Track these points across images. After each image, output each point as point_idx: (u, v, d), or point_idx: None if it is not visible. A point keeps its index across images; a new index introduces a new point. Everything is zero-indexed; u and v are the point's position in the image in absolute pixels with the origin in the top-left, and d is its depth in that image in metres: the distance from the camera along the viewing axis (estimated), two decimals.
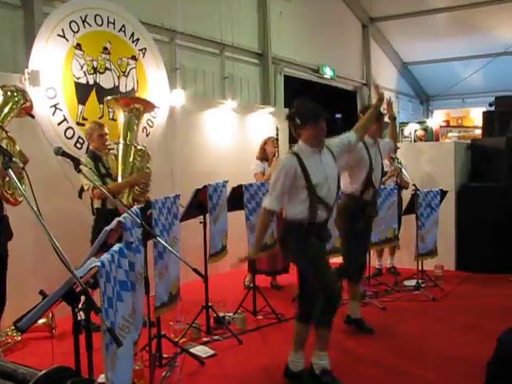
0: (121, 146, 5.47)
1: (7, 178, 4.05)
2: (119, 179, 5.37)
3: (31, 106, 4.59)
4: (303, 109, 3.90)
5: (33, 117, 4.74)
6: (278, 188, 3.82)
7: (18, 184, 2.53)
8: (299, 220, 3.87)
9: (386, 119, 5.42)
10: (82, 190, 5.20)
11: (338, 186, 4.05)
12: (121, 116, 5.53)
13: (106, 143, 5.40)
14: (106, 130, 5.38)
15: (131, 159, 5.47)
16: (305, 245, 3.88)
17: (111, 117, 6.23)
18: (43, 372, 1.31)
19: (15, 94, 4.46)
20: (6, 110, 4.37)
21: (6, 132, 4.26)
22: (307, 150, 3.89)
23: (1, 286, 4.30)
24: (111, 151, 5.61)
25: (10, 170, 2.55)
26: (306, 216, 3.84)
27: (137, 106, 5.58)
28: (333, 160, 4.01)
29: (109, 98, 5.79)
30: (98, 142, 5.33)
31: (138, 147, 5.56)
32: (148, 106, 5.82)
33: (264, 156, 6.85)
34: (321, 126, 3.87)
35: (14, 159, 2.65)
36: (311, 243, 3.88)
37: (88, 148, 5.69)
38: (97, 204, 5.22)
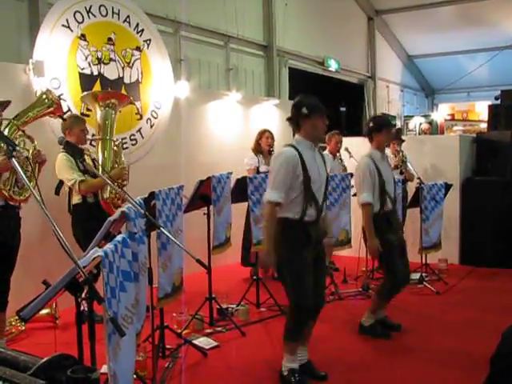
0: (101, 142, 5.45)
1: (7, 175, 4.07)
2: (101, 174, 5.33)
3: (58, 109, 4.72)
4: (310, 100, 3.87)
5: (64, 119, 4.97)
6: (280, 179, 3.75)
7: (22, 173, 2.53)
8: (289, 218, 3.80)
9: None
10: (59, 186, 5.15)
11: (326, 189, 3.98)
12: (97, 111, 5.50)
13: (86, 138, 5.39)
14: (86, 125, 5.37)
15: (111, 154, 5.46)
16: (293, 257, 3.77)
17: None
18: (45, 359, 1.31)
19: (46, 101, 4.62)
20: (31, 113, 4.52)
21: (23, 131, 4.33)
22: (305, 144, 3.86)
23: (6, 277, 4.29)
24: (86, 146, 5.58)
25: (13, 158, 2.55)
26: (296, 213, 3.78)
27: (110, 100, 5.55)
28: (323, 163, 3.99)
29: (84, 93, 5.80)
30: (78, 137, 5.21)
31: (116, 142, 5.57)
32: (123, 99, 5.79)
33: (259, 149, 6.83)
34: (324, 119, 3.89)
35: (17, 148, 2.64)
36: (300, 257, 3.78)
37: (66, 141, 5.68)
38: (76, 200, 5.14)
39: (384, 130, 4.95)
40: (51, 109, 4.61)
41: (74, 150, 3.26)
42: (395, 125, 5.34)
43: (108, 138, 5.47)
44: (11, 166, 2.49)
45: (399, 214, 6.62)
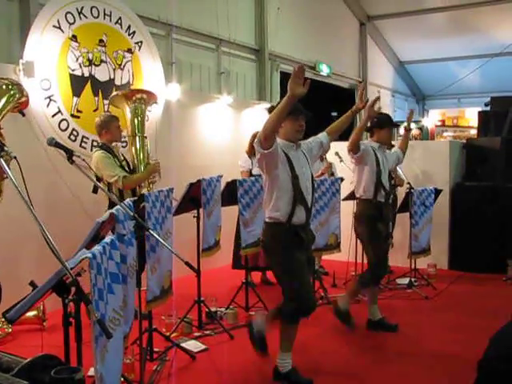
0: (136, 139, 5.46)
1: None
2: (139, 171, 5.39)
3: (27, 102, 4.42)
4: None
5: (23, 115, 4.48)
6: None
7: (10, 174, 2.51)
8: (279, 221, 3.79)
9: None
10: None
11: (313, 187, 3.97)
12: (127, 110, 5.49)
13: (121, 135, 5.45)
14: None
15: (146, 150, 5.48)
16: (288, 258, 3.79)
17: (106, 110, 6.20)
18: (28, 360, 1.29)
19: (10, 86, 4.29)
20: (1, 103, 4.18)
21: (0, 128, 4.14)
22: (286, 145, 3.86)
23: None
24: (119, 144, 5.61)
25: (1, 159, 2.53)
26: (284, 213, 3.77)
27: (138, 96, 5.53)
28: (306, 161, 3.97)
29: (113, 94, 5.78)
30: (115, 134, 5.31)
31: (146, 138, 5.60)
32: (150, 97, 5.78)
33: (253, 151, 6.73)
34: (299, 121, 3.87)
35: (5, 148, 2.62)
36: (295, 257, 3.79)
37: (95, 142, 5.67)
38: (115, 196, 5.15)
39: (386, 128, 5.14)
40: (23, 98, 4.30)
41: (66, 151, 3.22)
42: (398, 125, 5.51)
43: (140, 134, 5.47)
44: (3, 172, 2.47)
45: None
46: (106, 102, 6.23)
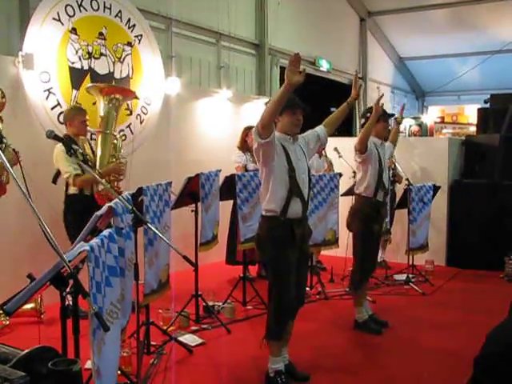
0: (101, 136, 5.39)
1: None
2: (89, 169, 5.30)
3: (3, 105, 4.36)
4: None
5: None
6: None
7: (8, 165, 2.50)
8: (275, 214, 3.76)
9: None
10: (56, 176, 5.13)
11: (309, 181, 3.95)
12: (101, 104, 5.44)
13: (87, 129, 5.37)
14: (87, 117, 5.30)
15: (110, 149, 5.41)
16: (278, 256, 3.77)
17: None
18: (25, 351, 1.29)
19: None
20: None
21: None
22: (282, 137, 3.83)
23: None
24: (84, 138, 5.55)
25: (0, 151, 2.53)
26: (279, 205, 3.74)
27: (117, 96, 5.48)
28: (303, 154, 3.95)
29: (90, 85, 5.73)
30: (79, 128, 5.23)
31: (116, 136, 5.52)
32: (128, 95, 5.75)
33: (245, 146, 6.70)
34: (297, 115, 3.83)
35: (4, 140, 2.62)
36: (285, 257, 3.76)
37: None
38: (73, 190, 5.12)
39: (381, 121, 5.08)
40: (4, 99, 4.33)
41: (66, 144, 3.23)
42: (393, 114, 5.53)
43: (108, 132, 5.41)
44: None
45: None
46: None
